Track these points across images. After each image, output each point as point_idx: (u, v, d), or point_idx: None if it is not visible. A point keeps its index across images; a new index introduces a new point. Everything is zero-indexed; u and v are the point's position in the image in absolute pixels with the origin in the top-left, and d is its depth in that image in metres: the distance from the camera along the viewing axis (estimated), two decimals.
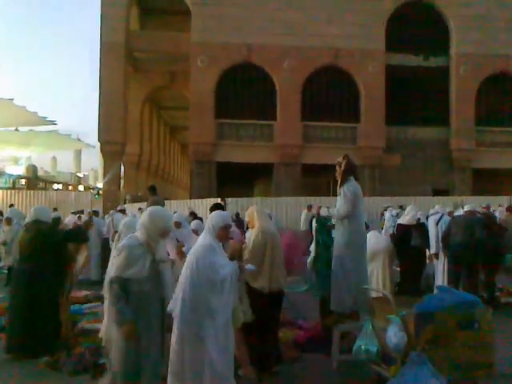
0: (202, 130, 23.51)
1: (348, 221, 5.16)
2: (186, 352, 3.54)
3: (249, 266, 4.18)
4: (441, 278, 8.14)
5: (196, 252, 3.72)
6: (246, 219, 4.99)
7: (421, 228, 8.23)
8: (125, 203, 22.63)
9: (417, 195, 20.35)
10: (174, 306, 3.58)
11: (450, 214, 9.19)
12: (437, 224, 8.51)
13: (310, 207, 16.17)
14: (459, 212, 8.72)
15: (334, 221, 5.45)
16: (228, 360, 3.70)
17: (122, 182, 28.86)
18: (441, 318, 3.86)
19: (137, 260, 3.40)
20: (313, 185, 26.21)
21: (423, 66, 25.29)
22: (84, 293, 7.99)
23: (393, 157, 24.68)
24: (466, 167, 25.04)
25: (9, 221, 10.42)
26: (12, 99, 29.27)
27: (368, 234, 6.47)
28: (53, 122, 35.79)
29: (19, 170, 43.83)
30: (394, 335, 3.80)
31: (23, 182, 43.73)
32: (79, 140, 44.28)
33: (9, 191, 26.19)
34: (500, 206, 13.18)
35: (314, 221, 6.33)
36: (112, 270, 3.42)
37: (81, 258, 6.73)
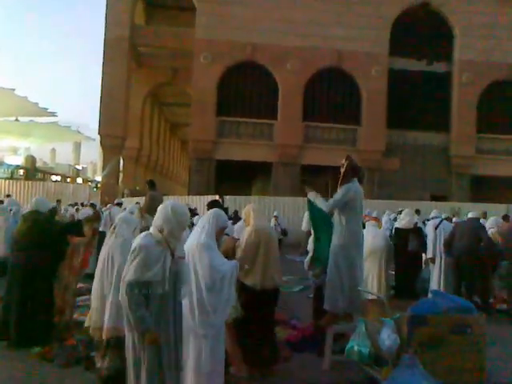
0: (203, 127, 23.51)
1: (345, 222, 5.14)
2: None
3: (246, 267, 4.26)
4: (436, 283, 8.15)
5: (195, 250, 3.72)
6: (243, 217, 5.00)
7: (418, 232, 8.25)
8: (123, 197, 22.63)
9: (415, 200, 20.37)
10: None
11: (447, 219, 9.19)
12: (436, 229, 8.52)
13: None
14: (457, 219, 8.75)
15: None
16: (220, 357, 3.72)
17: (120, 175, 28.87)
18: (434, 322, 3.88)
19: (156, 260, 3.12)
20: (311, 185, 26.15)
21: (426, 72, 25.32)
22: (78, 285, 7.96)
23: (392, 161, 24.73)
24: (465, 174, 25.10)
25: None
26: (13, 89, 29.33)
27: (364, 231, 6.44)
28: (53, 114, 35.85)
29: (18, 160, 43.79)
30: (387, 337, 3.81)
31: (21, 172, 43.65)
32: (79, 132, 44.36)
33: (7, 181, 26.18)
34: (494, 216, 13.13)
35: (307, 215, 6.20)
36: (129, 273, 3.09)
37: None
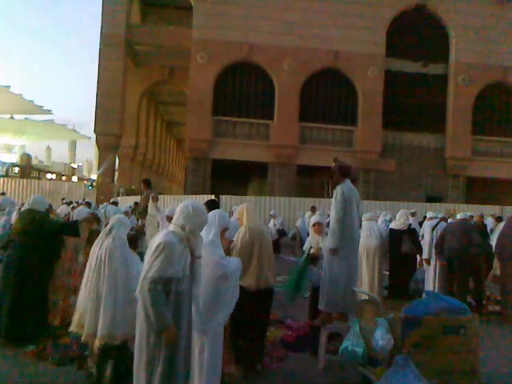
0: (199, 127, 23.48)
1: (341, 222, 5.15)
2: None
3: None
4: (431, 284, 8.17)
5: (205, 246, 3.69)
6: (237, 216, 4.99)
7: (412, 233, 8.25)
8: (118, 196, 22.59)
9: (410, 201, 20.44)
10: None
11: (443, 220, 9.21)
12: (433, 230, 8.53)
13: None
14: (452, 220, 8.76)
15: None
16: (218, 353, 3.72)
17: (116, 174, 28.80)
18: (427, 323, 3.89)
19: (179, 258, 3.13)
20: (307, 186, 26.23)
21: (422, 73, 25.39)
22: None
23: (388, 162, 24.79)
24: (461, 175, 25.19)
25: None
26: (8, 86, 29.20)
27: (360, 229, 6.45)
28: (49, 112, 35.75)
29: (13, 158, 43.61)
30: (381, 337, 3.82)
31: (16, 170, 43.49)
32: (75, 131, 44.25)
33: (2, 179, 26.06)
34: (492, 215, 13.23)
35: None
36: (152, 269, 3.06)
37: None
